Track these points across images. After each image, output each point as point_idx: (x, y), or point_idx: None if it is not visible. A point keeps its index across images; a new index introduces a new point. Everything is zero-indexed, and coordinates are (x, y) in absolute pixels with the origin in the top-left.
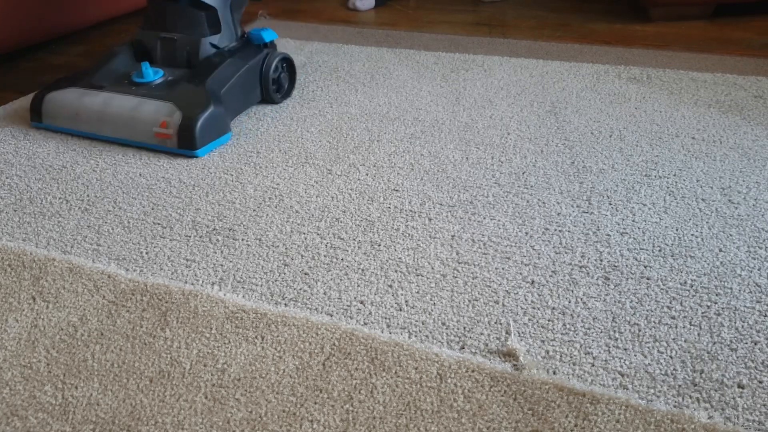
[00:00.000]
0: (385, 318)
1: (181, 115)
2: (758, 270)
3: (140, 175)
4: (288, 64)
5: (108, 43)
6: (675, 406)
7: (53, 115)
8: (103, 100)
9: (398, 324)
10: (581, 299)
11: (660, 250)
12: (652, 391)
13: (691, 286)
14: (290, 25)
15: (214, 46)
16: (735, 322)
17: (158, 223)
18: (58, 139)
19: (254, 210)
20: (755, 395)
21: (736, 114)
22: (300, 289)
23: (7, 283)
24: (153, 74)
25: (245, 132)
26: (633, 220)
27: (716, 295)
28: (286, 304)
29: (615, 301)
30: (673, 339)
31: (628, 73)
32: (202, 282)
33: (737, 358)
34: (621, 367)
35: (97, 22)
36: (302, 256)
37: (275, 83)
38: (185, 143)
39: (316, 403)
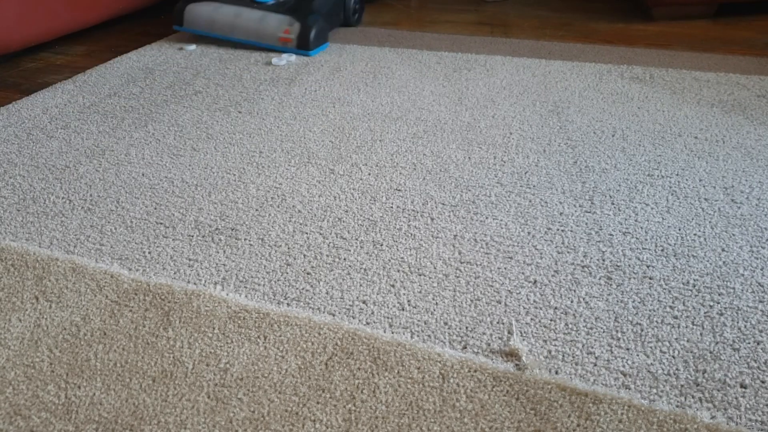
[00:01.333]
0: (388, 318)
1: (299, 24)
2: (761, 270)
3: (143, 174)
4: None
5: (111, 43)
6: (677, 406)
7: (193, 21)
8: (235, 12)
9: (400, 324)
10: (584, 299)
11: (662, 250)
12: (654, 391)
13: (694, 286)
14: None
15: None
16: (738, 322)
17: (161, 223)
18: (61, 138)
19: (257, 210)
20: (758, 395)
21: (739, 113)
22: (302, 288)
23: (11, 283)
24: None
25: (248, 131)
26: (635, 220)
27: (719, 294)
28: (288, 304)
29: (617, 301)
30: (676, 339)
31: (630, 72)
32: (205, 282)
33: (740, 358)
34: (623, 366)
35: (99, 22)
36: (305, 255)
37: (354, 11)
38: (302, 45)
39: (318, 402)
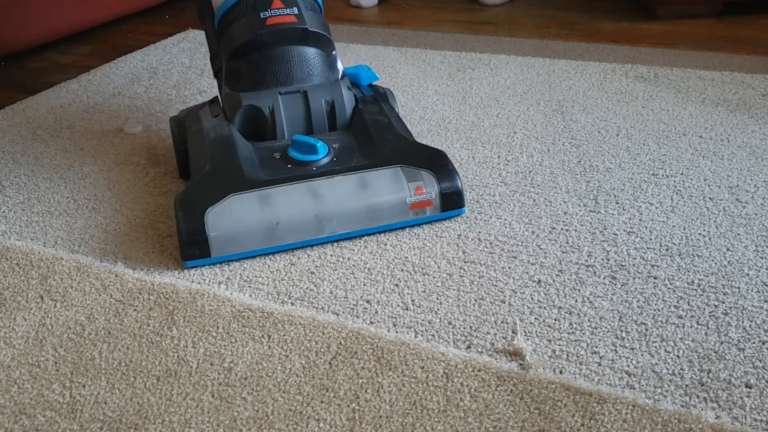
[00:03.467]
0: (392, 317)
1: (431, 174)
2: (766, 269)
3: (147, 174)
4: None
5: (115, 43)
6: (682, 406)
7: (231, 238)
8: (307, 193)
9: (404, 323)
10: (588, 298)
11: (667, 250)
12: (659, 390)
13: (699, 286)
14: None
15: (350, 89)
16: (743, 322)
17: (165, 222)
18: (65, 138)
19: None
20: (763, 395)
21: (744, 112)
22: (306, 288)
23: (15, 282)
24: (323, 147)
25: None
26: (640, 219)
27: (724, 294)
28: (292, 303)
29: (622, 301)
30: (681, 338)
31: (635, 71)
32: (209, 281)
33: (745, 357)
34: (628, 366)
35: (104, 22)
36: (308, 255)
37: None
38: (452, 203)
39: (322, 401)
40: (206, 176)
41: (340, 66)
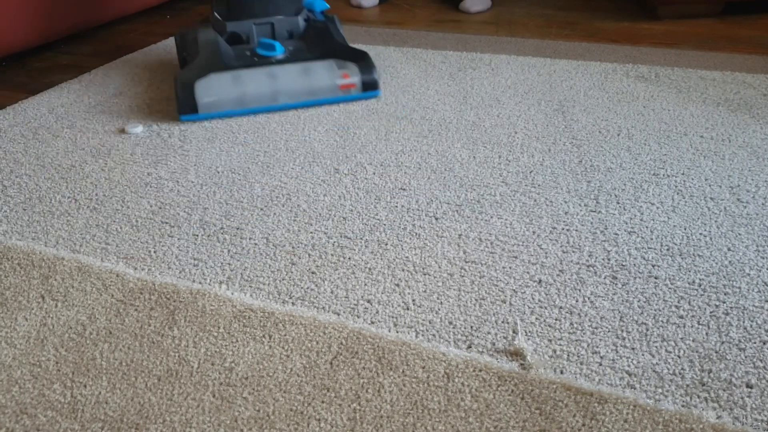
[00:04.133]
0: (392, 317)
1: (356, 65)
2: (767, 269)
3: (148, 174)
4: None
5: (116, 43)
6: (683, 406)
7: (213, 103)
8: (266, 75)
9: (405, 323)
10: (589, 298)
11: (668, 250)
12: (660, 390)
13: (700, 286)
14: None
15: (305, 20)
16: (743, 322)
17: (166, 222)
18: (67, 138)
19: (261, 209)
20: (764, 395)
21: (745, 112)
22: (307, 288)
23: (17, 282)
24: (280, 47)
25: (252, 131)
26: (641, 219)
27: (725, 294)
28: (293, 303)
29: (623, 301)
30: (681, 338)
31: (636, 71)
32: (210, 281)
33: (746, 357)
34: (629, 366)
35: (105, 22)
36: (309, 255)
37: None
38: (370, 87)
39: (323, 401)
40: (196, 62)
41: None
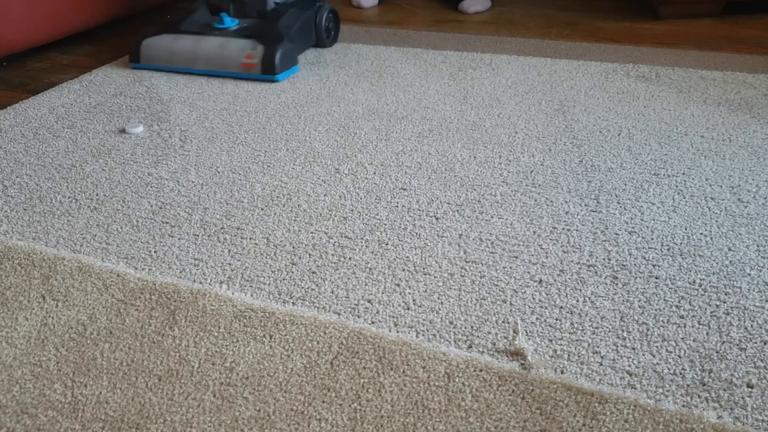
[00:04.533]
0: (393, 317)
1: (262, 47)
2: (767, 269)
3: (149, 174)
4: (334, 14)
5: (117, 43)
6: (684, 406)
7: (151, 56)
8: (193, 42)
9: (406, 323)
10: (589, 298)
11: (669, 249)
12: (660, 390)
13: (700, 286)
14: None
15: (276, 2)
16: (744, 322)
17: (167, 222)
18: (67, 138)
19: (262, 209)
20: (764, 395)
21: (745, 112)
22: (308, 288)
23: (17, 282)
24: (231, 21)
25: (253, 130)
26: (641, 219)
27: (725, 294)
28: (293, 303)
29: (623, 301)
30: (682, 338)
31: (636, 71)
32: (211, 281)
33: (746, 357)
34: (629, 366)
35: (105, 23)
36: (310, 254)
37: (326, 30)
38: (267, 70)
39: (323, 401)
40: (165, 24)
41: None
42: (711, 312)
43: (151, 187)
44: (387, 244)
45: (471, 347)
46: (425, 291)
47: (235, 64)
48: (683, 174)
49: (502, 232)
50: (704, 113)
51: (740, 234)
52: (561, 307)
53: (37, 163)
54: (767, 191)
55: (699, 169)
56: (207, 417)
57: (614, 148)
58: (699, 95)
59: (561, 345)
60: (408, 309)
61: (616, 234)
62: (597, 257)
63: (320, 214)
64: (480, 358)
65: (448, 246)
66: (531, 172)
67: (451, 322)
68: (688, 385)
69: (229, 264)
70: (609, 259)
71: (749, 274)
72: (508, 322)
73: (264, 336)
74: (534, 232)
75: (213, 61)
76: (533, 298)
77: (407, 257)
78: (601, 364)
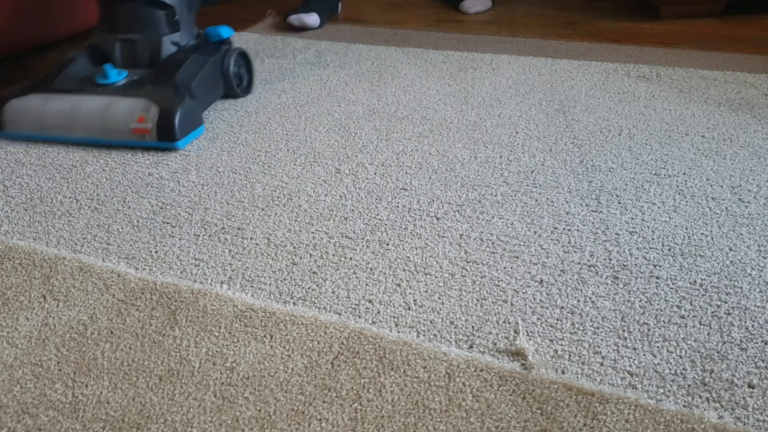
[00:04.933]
0: (394, 317)
1: (157, 108)
2: None
3: (149, 174)
4: (245, 59)
5: None
6: (685, 406)
7: (16, 121)
8: (70, 103)
9: (406, 323)
10: (590, 298)
11: (669, 249)
12: (661, 390)
13: (701, 286)
14: None
15: (175, 44)
16: (745, 322)
17: (167, 222)
18: None
19: (263, 209)
20: (765, 395)
21: (746, 112)
22: (308, 288)
23: (18, 282)
24: (117, 75)
25: (253, 130)
26: (642, 219)
27: (726, 294)
28: (294, 303)
29: (624, 301)
30: (683, 338)
31: (637, 71)
32: (211, 281)
33: (747, 357)
34: (630, 366)
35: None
36: (311, 255)
37: (236, 77)
38: (165, 136)
39: (324, 401)
40: (34, 80)
41: (185, 24)
42: (712, 312)
43: (152, 187)
44: (388, 245)
45: (472, 347)
46: (426, 291)
47: (123, 130)
48: (684, 174)
49: (502, 233)
50: (705, 113)
51: (741, 234)
52: (562, 308)
53: (37, 163)
54: None
55: (700, 169)
56: (208, 417)
57: (615, 148)
58: (700, 95)
59: (562, 345)
60: (409, 309)
61: (617, 234)
62: (598, 257)
63: (321, 214)
64: (481, 358)
65: (448, 246)
66: (532, 172)
67: (451, 322)
68: (689, 386)
69: (230, 264)
70: (610, 259)
71: (750, 274)
72: (509, 322)
73: (265, 336)
74: (535, 232)
75: (95, 127)
76: (534, 298)
77: (408, 257)
78: (602, 365)
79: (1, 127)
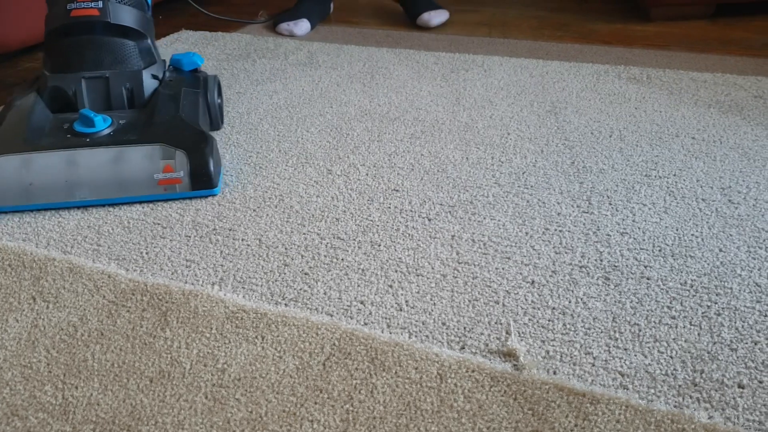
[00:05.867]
0: (385, 318)
1: (184, 154)
2: (758, 270)
3: None
4: (219, 86)
5: None
6: (675, 406)
7: None
8: (63, 160)
9: (398, 324)
10: (581, 299)
11: (660, 250)
12: (652, 391)
13: (692, 286)
14: None
15: (155, 77)
16: (735, 322)
17: (158, 223)
18: None
19: (254, 210)
20: (755, 395)
21: (736, 114)
22: (300, 289)
23: (7, 283)
24: (102, 121)
25: (244, 131)
26: (633, 220)
27: (716, 295)
28: (286, 304)
29: (615, 301)
30: (674, 339)
31: (628, 73)
32: (202, 282)
33: (737, 358)
34: (621, 367)
35: None
36: (302, 256)
37: (219, 108)
38: (201, 184)
39: (316, 403)
40: None
41: (156, 53)
42: (702, 313)
43: None
44: (379, 246)
45: (463, 348)
46: (418, 292)
47: (146, 183)
48: (674, 175)
49: (494, 233)
50: (695, 115)
51: (731, 235)
52: (553, 308)
53: None
54: (757, 193)
55: (690, 171)
56: (199, 418)
57: (606, 150)
58: (690, 97)
59: (553, 346)
60: (400, 310)
61: (608, 235)
62: (589, 258)
63: (313, 215)
64: (472, 359)
65: (440, 247)
66: (523, 173)
67: (443, 323)
68: (679, 386)
69: (221, 265)
70: (601, 260)
71: (740, 275)
72: (501, 323)
73: (256, 337)
74: (526, 233)
75: (106, 185)
76: (525, 299)
77: (400, 258)
78: (593, 365)
79: None
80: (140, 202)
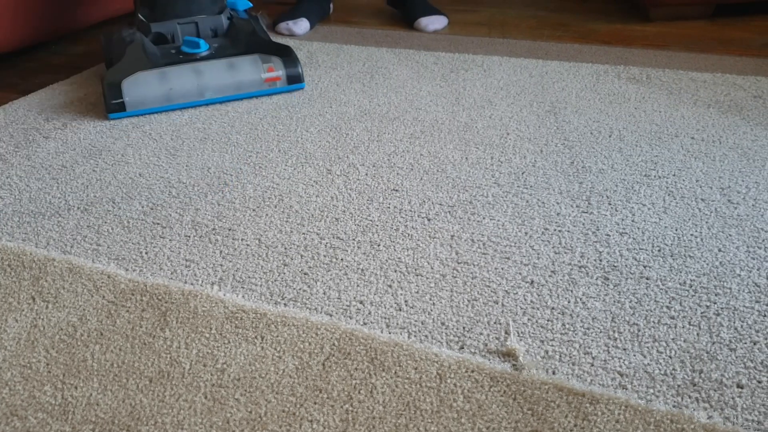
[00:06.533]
0: (385, 318)
1: (280, 59)
2: (757, 270)
3: (140, 175)
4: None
5: None
6: (674, 406)
7: (141, 100)
8: (191, 70)
9: (398, 324)
10: (581, 299)
11: (659, 250)
12: (651, 391)
13: (691, 286)
14: None
15: (228, 19)
16: (734, 322)
17: (158, 223)
18: (58, 139)
19: (254, 210)
20: (754, 395)
21: (735, 114)
22: (299, 289)
23: (7, 283)
24: (205, 44)
25: (244, 131)
26: (632, 220)
27: (715, 295)
28: (285, 304)
29: (614, 301)
30: (673, 339)
31: (627, 73)
32: (202, 282)
33: (736, 358)
34: (620, 367)
35: (97, 23)
36: (302, 256)
37: (266, 35)
38: (294, 79)
39: (315, 403)
40: (122, 63)
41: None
42: (701, 313)
43: (142, 188)
44: (379, 245)
45: (463, 348)
46: (417, 292)
47: (255, 82)
48: (674, 175)
49: (493, 233)
50: (694, 115)
51: (730, 235)
52: (552, 308)
53: (27, 164)
54: (757, 192)
55: (689, 171)
56: (198, 419)
57: (605, 150)
58: (689, 97)
59: (552, 346)
60: (400, 310)
61: (608, 235)
62: (588, 258)
63: (312, 215)
64: (472, 359)
65: (440, 247)
66: (523, 173)
67: (443, 323)
68: (678, 386)
69: (221, 265)
70: (600, 260)
71: (739, 275)
72: (500, 323)
73: (256, 337)
74: (526, 233)
75: (227, 86)
76: (525, 299)
77: (399, 258)
78: (592, 365)
79: (121, 108)
80: (249, 98)
